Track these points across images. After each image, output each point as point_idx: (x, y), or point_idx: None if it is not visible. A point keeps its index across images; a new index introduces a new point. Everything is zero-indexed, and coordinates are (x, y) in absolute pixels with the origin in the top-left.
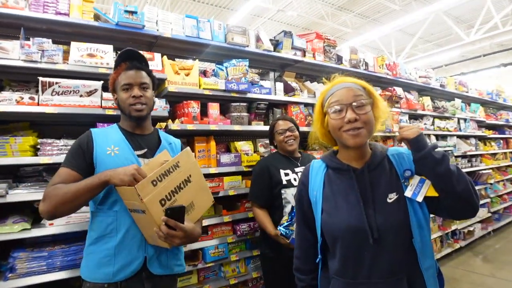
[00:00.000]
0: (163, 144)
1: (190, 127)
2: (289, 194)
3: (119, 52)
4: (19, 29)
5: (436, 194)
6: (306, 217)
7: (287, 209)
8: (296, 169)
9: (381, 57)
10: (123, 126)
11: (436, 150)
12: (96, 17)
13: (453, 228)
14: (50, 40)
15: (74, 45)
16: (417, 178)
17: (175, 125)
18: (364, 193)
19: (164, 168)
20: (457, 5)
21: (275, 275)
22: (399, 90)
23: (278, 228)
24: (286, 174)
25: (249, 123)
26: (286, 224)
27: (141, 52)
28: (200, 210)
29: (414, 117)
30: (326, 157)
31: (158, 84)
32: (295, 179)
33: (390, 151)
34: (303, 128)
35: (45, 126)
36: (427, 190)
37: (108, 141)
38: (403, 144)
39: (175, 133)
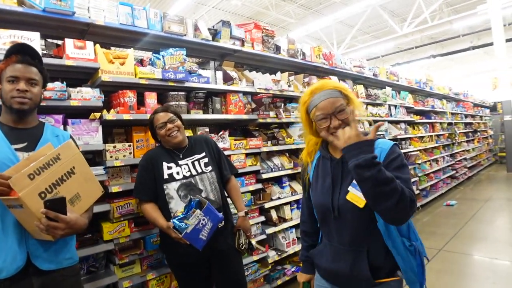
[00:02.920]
0: (46, 137)
1: (126, 117)
2: (171, 189)
3: (47, 39)
4: None
5: (361, 204)
6: (303, 191)
7: (172, 205)
8: (180, 162)
9: (318, 47)
10: (2, 120)
11: (366, 158)
12: (20, 2)
13: None
14: None
15: None
16: None
17: (110, 115)
18: (336, 179)
19: (42, 161)
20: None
21: (184, 282)
22: (334, 79)
23: (171, 221)
24: (169, 168)
25: (188, 112)
26: (181, 216)
27: (35, 48)
28: (87, 200)
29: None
30: (321, 146)
31: (91, 73)
32: (178, 173)
33: (378, 142)
34: (241, 116)
35: None
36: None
37: None
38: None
39: (111, 123)
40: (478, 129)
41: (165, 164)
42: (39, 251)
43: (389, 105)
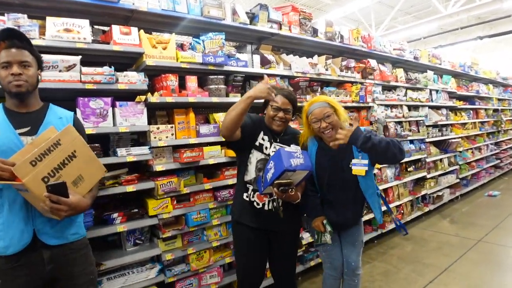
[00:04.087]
0: (48, 120)
1: (169, 99)
2: (254, 157)
3: (93, 26)
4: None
5: (362, 173)
6: None
7: (248, 168)
8: (274, 143)
9: (356, 30)
10: (7, 105)
11: (362, 137)
12: None
13: (423, 193)
14: (25, 16)
15: (50, 20)
16: (364, 162)
17: (154, 98)
18: (336, 162)
19: (43, 148)
20: None
21: (238, 239)
22: (373, 62)
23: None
24: (263, 139)
25: (227, 95)
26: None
27: (22, 31)
28: (90, 181)
29: (387, 88)
30: (317, 138)
31: (135, 58)
32: (267, 148)
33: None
34: None
35: None
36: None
37: None
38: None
39: (155, 106)
40: None
41: (262, 133)
42: (45, 228)
43: (430, 90)
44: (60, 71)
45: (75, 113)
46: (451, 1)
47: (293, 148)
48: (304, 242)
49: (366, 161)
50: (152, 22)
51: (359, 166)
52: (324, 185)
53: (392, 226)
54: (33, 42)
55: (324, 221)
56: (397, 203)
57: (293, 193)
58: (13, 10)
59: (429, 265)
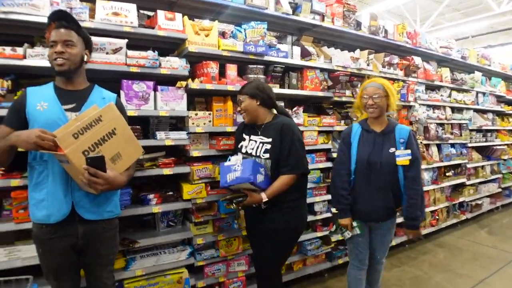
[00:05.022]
0: (92, 99)
1: (208, 86)
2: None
3: (140, 11)
4: None
5: (407, 163)
6: (348, 151)
7: None
8: (252, 137)
9: (402, 25)
10: (57, 83)
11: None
12: None
13: (460, 200)
14: None
15: (99, 3)
16: (407, 151)
17: (194, 84)
18: (377, 145)
19: (85, 122)
20: None
21: None
22: (417, 60)
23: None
24: (243, 140)
25: None
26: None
27: (69, 12)
28: (128, 160)
29: (430, 88)
30: (361, 122)
31: (178, 44)
32: (245, 147)
33: (397, 126)
34: (317, 93)
35: None
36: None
37: (39, 98)
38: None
39: (194, 92)
40: None
41: (243, 134)
42: (83, 202)
43: (477, 92)
44: (107, 53)
45: (119, 95)
46: None
47: (233, 160)
48: (333, 239)
49: (409, 151)
50: (195, 9)
51: (402, 157)
52: (363, 166)
53: (425, 231)
54: (83, 24)
55: (354, 223)
56: (432, 208)
57: (246, 201)
58: None
59: (463, 275)
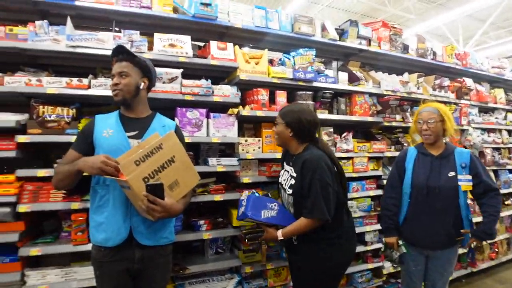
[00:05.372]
0: (153, 127)
1: (259, 113)
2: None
3: (192, 42)
4: (106, 22)
5: (470, 188)
6: (399, 176)
7: None
8: (286, 167)
9: (451, 46)
10: (121, 111)
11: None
12: (175, 10)
13: None
14: (138, 32)
15: (157, 36)
16: (468, 177)
17: (245, 111)
18: (435, 168)
19: (147, 150)
20: None
21: None
22: (469, 81)
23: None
24: (283, 167)
25: (315, 111)
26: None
27: (125, 46)
28: (185, 187)
29: (484, 110)
30: (418, 146)
31: (229, 72)
32: (281, 176)
33: (456, 150)
34: (366, 118)
35: None
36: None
37: (106, 125)
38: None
39: (244, 119)
40: None
41: (284, 162)
42: (140, 228)
43: None
44: (163, 82)
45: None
46: None
47: (243, 195)
48: (385, 272)
49: (470, 176)
50: (244, 38)
51: (465, 181)
52: (421, 191)
53: (484, 265)
54: (143, 56)
55: (400, 242)
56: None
57: (262, 237)
58: (123, 27)
59: None
